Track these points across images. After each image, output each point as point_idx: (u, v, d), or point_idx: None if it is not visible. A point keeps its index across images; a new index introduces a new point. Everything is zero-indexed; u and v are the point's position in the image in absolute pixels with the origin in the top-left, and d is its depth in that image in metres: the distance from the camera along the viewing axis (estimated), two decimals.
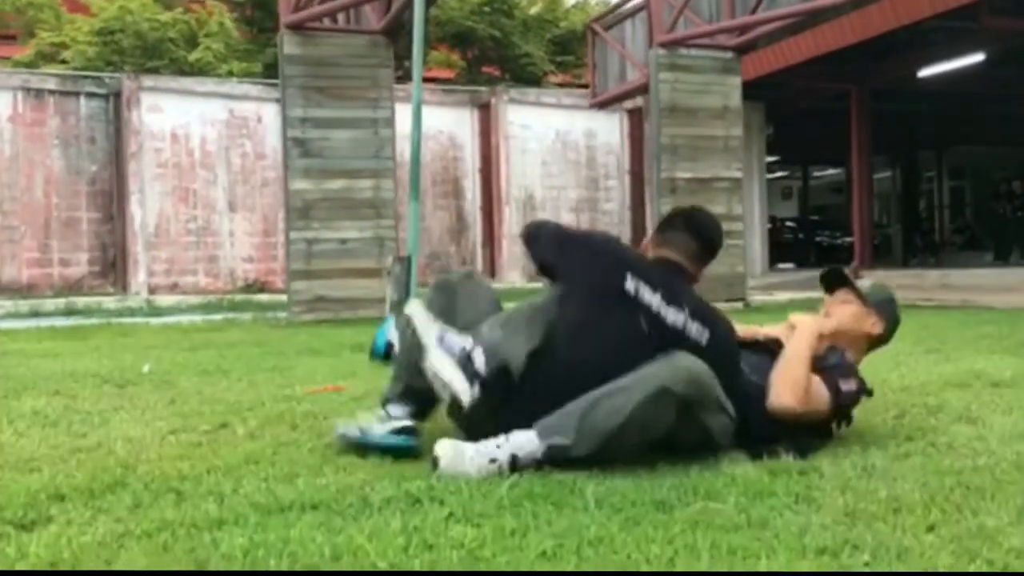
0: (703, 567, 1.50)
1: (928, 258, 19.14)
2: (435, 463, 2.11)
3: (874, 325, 2.68)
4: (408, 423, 2.41)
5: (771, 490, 1.97)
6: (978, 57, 13.69)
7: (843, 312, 2.70)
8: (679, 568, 1.50)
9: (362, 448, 2.36)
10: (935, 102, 16.80)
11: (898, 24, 11.97)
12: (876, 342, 2.74)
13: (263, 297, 12.43)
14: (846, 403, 2.50)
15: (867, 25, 12.43)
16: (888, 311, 2.74)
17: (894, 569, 1.49)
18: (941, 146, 21.15)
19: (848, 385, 2.49)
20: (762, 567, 1.51)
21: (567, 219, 16.29)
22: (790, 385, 2.38)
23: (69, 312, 10.28)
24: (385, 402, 2.50)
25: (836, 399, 2.45)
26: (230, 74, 17.16)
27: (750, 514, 1.79)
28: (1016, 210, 16.61)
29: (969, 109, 17.51)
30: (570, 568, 1.49)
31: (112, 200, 13.92)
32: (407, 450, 2.33)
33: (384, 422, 2.41)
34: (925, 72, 14.53)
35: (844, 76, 15.11)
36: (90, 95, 13.91)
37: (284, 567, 1.49)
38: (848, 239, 17.70)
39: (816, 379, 2.44)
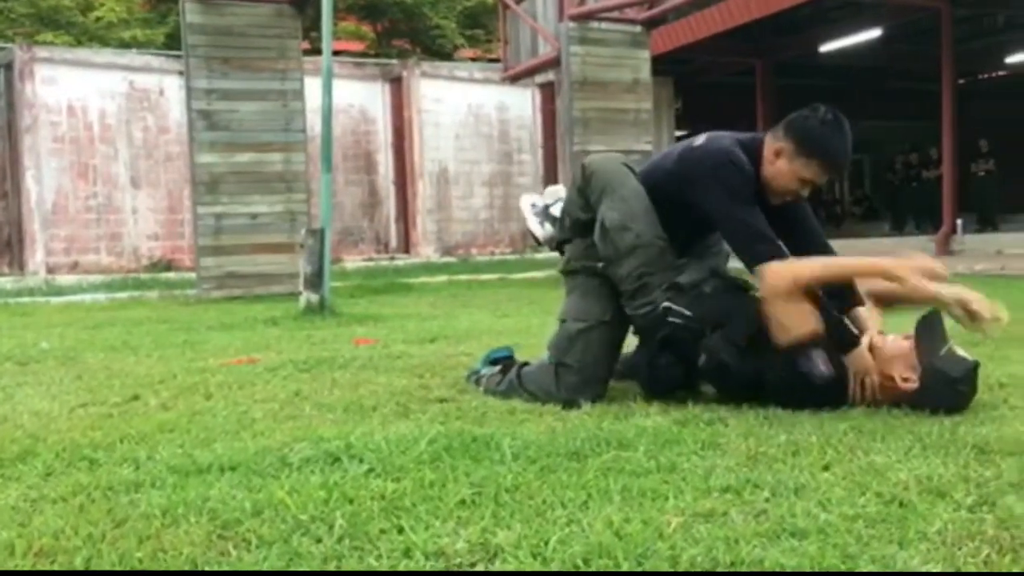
0: (614, 509, 1.56)
1: (829, 229, 19.82)
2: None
3: (906, 381, 2.35)
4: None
5: (679, 438, 2.06)
6: (875, 32, 14.19)
7: (894, 341, 2.42)
8: (591, 509, 1.57)
9: (476, 373, 2.95)
10: (835, 78, 17.34)
11: None
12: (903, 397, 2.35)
13: (170, 275, 12.10)
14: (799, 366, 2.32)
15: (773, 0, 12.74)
16: (941, 387, 2.29)
17: (792, 503, 1.59)
18: None
19: (810, 364, 2.32)
20: (670, 506, 1.58)
21: (481, 193, 16.31)
22: (799, 267, 2.40)
23: None
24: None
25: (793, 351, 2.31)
26: (133, 39, 16.49)
27: (659, 460, 1.88)
28: (911, 181, 17.29)
29: (867, 84, 18.14)
30: (488, 513, 1.54)
31: (6, 177, 13.31)
32: (508, 354, 2.99)
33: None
34: (826, 47, 14.99)
35: (750, 50, 15.50)
36: None
37: (204, 523, 1.49)
38: None
39: (809, 308, 2.30)
